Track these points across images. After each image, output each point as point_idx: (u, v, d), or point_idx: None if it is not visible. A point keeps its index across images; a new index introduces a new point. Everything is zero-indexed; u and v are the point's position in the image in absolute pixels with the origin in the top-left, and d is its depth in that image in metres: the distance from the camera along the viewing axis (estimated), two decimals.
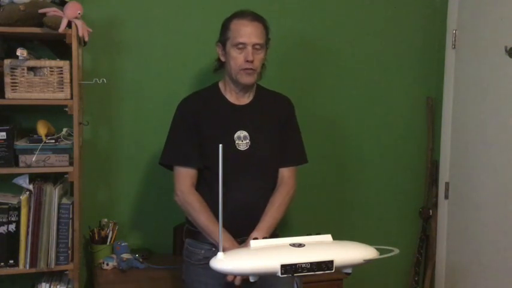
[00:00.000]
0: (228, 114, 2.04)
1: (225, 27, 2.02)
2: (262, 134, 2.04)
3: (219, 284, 1.94)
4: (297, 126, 2.16)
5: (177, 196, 2.01)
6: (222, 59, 2.05)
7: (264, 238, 1.85)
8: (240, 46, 1.96)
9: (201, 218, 1.95)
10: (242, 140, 2.00)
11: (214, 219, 1.92)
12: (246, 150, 2.00)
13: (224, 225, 1.89)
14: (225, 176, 1.87)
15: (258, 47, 1.97)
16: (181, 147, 2.02)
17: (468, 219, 2.71)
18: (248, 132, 2.01)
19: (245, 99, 2.07)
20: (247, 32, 1.96)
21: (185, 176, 2.00)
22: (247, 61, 1.95)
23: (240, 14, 2.01)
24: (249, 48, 1.96)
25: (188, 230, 2.08)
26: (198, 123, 2.01)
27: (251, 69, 1.97)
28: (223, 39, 2.02)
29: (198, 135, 2.00)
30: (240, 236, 1.95)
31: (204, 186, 2.01)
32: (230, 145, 1.98)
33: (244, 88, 2.04)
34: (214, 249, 1.93)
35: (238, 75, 1.98)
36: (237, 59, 1.97)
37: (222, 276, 1.74)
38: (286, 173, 2.09)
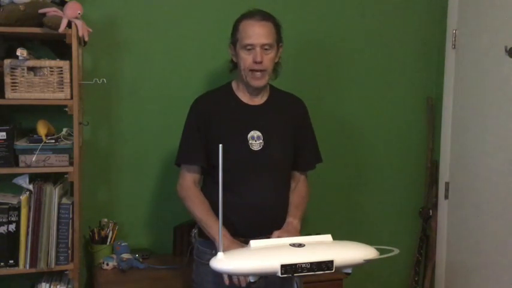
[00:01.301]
0: (241, 114, 2.03)
1: (235, 28, 2.02)
2: (275, 134, 2.03)
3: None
4: (311, 128, 2.18)
5: (178, 191, 2.03)
6: (234, 59, 2.05)
7: (266, 238, 1.85)
8: (249, 47, 1.95)
9: (198, 210, 1.96)
10: (255, 140, 1.99)
11: (212, 212, 1.93)
12: (259, 150, 1.99)
13: (237, 225, 1.92)
14: (238, 175, 1.90)
15: (267, 47, 1.96)
16: (187, 146, 2.02)
17: (468, 219, 2.71)
18: (261, 133, 2.00)
19: (258, 100, 2.07)
20: (255, 33, 1.94)
21: (186, 173, 2.02)
22: (256, 62, 1.94)
23: (248, 15, 1.99)
24: (258, 49, 1.94)
25: (199, 230, 2.07)
26: (209, 123, 2.00)
27: (260, 70, 1.96)
28: (233, 40, 2.02)
29: (207, 134, 1.99)
30: (253, 236, 1.93)
31: (215, 186, 2.00)
32: (243, 145, 1.98)
33: (256, 90, 2.04)
34: None
35: (248, 77, 1.97)
36: (246, 60, 1.96)
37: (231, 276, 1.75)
38: (303, 176, 2.15)
